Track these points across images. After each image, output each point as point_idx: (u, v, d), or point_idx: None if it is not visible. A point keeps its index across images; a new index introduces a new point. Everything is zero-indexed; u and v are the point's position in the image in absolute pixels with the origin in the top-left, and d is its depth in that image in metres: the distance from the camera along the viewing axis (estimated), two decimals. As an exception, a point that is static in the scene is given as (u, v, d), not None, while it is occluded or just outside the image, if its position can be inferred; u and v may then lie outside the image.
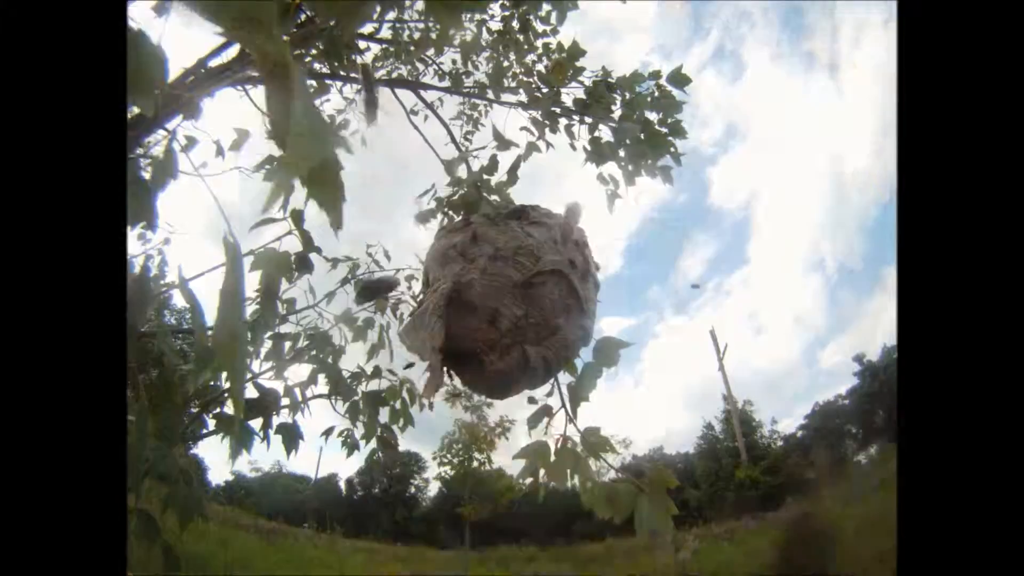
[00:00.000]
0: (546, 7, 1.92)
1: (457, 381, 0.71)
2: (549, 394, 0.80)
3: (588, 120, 1.50)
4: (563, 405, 0.79)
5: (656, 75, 1.47)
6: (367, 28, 2.05)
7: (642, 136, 1.40)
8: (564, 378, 0.81)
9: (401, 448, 1.51)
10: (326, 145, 0.30)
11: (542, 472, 0.76)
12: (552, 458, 0.77)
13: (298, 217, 1.14)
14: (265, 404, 1.23)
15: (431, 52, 2.11)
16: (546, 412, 0.80)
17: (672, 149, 1.40)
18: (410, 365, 1.36)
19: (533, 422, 0.80)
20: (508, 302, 0.68)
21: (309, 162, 0.29)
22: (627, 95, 1.47)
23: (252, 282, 1.16)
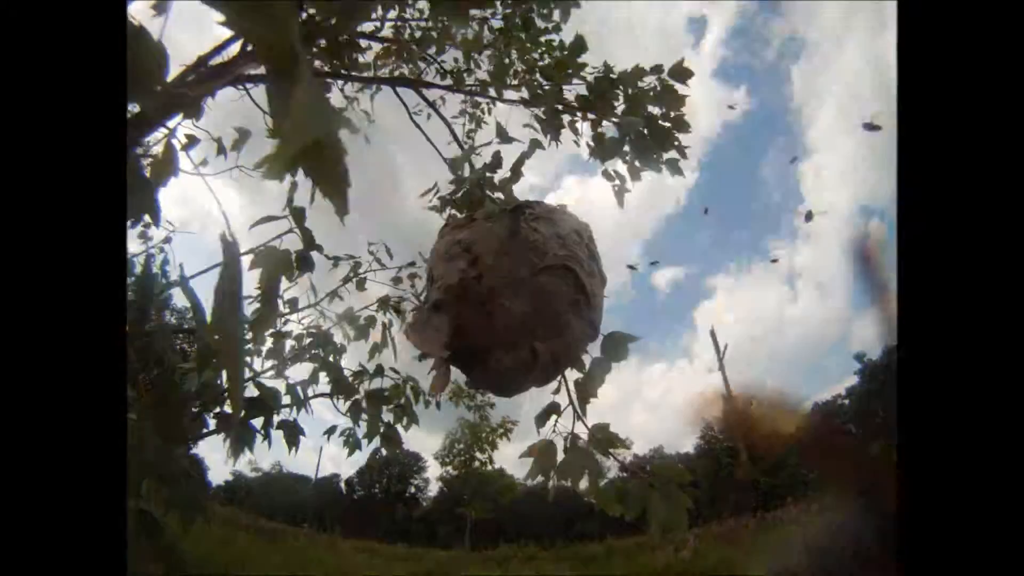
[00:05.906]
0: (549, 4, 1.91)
1: (463, 378, 0.70)
2: (556, 391, 0.79)
3: (591, 116, 1.49)
4: (571, 402, 0.78)
5: (658, 70, 1.46)
6: (368, 26, 2.04)
7: (645, 131, 1.40)
8: (570, 375, 0.80)
9: (402, 448, 1.51)
10: (327, 120, 0.29)
11: (551, 472, 0.75)
12: (559, 456, 0.76)
13: (299, 215, 1.13)
14: (266, 403, 1.22)
15: (433, 50, 2.10)
16: (553, 410, 0.79)
17: (676, 143, 1.39)
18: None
19: (541, 420, 0.78)
20: (515, 298, 0.67)
21: (309, 135, 0.27)
22: (630, 90, 1.47)
23: (253, 280, 1.16)
